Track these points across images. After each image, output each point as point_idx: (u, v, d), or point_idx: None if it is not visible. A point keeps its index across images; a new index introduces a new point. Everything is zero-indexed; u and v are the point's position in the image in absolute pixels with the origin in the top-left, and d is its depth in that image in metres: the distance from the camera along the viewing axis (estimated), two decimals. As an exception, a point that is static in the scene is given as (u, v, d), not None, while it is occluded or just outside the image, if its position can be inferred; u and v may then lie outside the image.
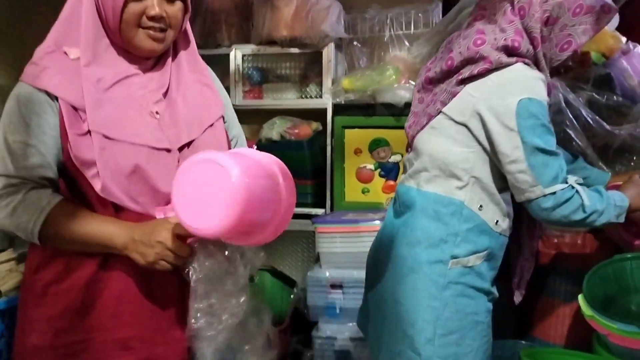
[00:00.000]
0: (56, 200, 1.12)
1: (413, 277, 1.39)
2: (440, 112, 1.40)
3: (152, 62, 1.23)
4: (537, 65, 1.36)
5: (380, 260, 1.51)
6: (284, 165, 1.13)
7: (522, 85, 1.31)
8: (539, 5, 1.31)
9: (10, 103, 1.14)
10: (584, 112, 1.92)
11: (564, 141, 1.95)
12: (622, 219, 1.38)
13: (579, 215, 1.32)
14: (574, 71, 2.05)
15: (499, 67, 1.32)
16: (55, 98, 1.11)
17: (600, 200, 1.35)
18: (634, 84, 1.96)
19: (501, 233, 1.42)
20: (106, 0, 1.13)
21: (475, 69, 1.34)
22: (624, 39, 2.02)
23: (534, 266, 1.55)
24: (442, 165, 1.39)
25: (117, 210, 1.13)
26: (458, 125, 1.37)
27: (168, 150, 1.16)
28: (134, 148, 1.12)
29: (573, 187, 1.32)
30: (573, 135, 1.90)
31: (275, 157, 1.14)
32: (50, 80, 1.11)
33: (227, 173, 0.97)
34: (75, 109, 1.11)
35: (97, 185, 1.09)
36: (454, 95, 1.38)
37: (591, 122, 1.92)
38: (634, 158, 1.86)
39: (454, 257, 1.37)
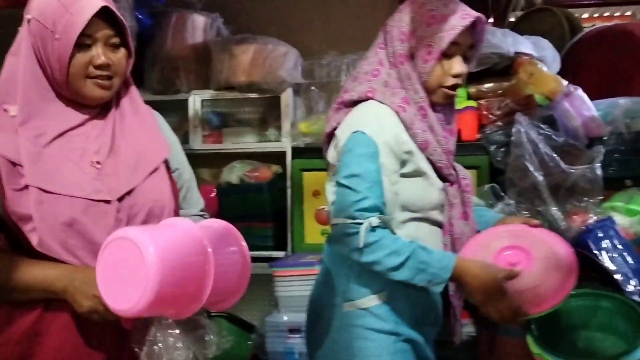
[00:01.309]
0: None
1: (320, 323, 1.41)
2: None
3: (95, 110, 1.23)
4: (402, 83, 1.36)
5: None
6: (227, 229, 1.13)
7: (359, 119, 1.35)
8: (396, 27, 1.37)
9: None
10: (541, 149, 1.98)
11: (520, 175, 2.01)
12: (437, 289, 1.29)
13: (366, 258, 1.26)
14: (520, 113, 2.13)
15: (354, 102, 1.38)
16: None
17: (399, 254, 1.25)
18: (576, 124, 2.04)
19: None
20: (51, 54, 1.14)
21: (335, 106, 1.43)
22: (565, 82, 2.11)
23: (462, 303, 1.51)
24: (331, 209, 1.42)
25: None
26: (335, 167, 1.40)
27: (107, 202, 1.15)
28: (71, 201, 1.11)
29: (357, 226, 1.24)
30: (530, 169, 1.96)
31: (222, 222, 1.14)
32: None
33: (140, 251, 0.96)
34: (13, 164, 1.11)
35: (34, 240, 1.08)
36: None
37: (547, 159, 1.98)
38: (583, 199, 1.91)
39: (347, 299, 1.37)
